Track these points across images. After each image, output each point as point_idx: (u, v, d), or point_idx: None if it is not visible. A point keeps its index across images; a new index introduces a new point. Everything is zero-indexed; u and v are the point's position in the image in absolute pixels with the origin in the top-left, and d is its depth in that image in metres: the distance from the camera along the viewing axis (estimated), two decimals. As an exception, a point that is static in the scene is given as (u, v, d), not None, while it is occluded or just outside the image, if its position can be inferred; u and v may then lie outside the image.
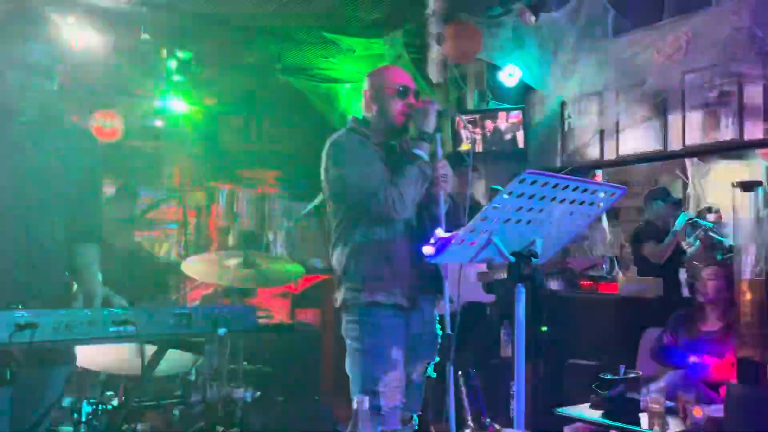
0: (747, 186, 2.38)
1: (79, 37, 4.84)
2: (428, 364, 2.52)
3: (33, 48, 1.76)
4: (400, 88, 2.44)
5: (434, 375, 2.52)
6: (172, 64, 5.56)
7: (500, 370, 4.06)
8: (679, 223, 4.83)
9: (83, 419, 2.60)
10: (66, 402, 2.58)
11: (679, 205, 5.32)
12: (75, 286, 1.96)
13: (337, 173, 2.38)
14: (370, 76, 2.54)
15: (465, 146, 5.31)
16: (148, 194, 5.86)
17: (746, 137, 4.39)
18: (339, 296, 2.44)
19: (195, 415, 3.01)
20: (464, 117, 5.08)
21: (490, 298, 4.14)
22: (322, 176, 2.47)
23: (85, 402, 2.61)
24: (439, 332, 2.50)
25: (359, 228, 2.39)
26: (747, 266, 2.32)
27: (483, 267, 4.04)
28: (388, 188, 2.29)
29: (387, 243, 2.37)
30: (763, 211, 2.35)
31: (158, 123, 6.72)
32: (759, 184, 2.44)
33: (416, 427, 2.56)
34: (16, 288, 1.82)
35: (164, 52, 5.49)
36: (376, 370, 2.31)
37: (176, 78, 5.71)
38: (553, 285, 4.93)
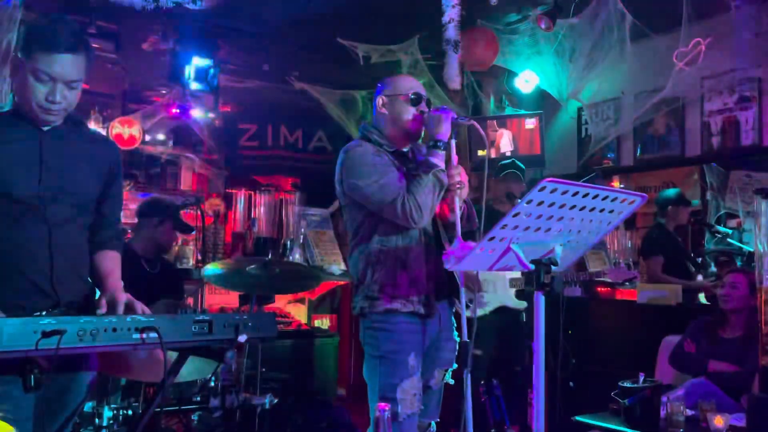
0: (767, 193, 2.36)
1: (101, 45, 4.92)
2: (446, 371, 2.52)
3: (57, 60, 1.79)
4: (413, 96, 2.45)
5: (452, 382, 2.52)
6: (191, 71, 5.62)
7: (518, 378, 4.05)
8: None
9: (104, 424, 2.64)
10: (87, 407, 2.61)
11: (688, 204, 5.10)
12: (98, 293, 1.98)
13: (354, 182, 2.39)
14: (382, 84, 2.55)
15: (481, 152, 5.31)
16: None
17: (766, 142, 4.36)
18: (357, 303, 2.45)
19: (214, 421, 3.04)
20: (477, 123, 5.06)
21: (521, 305, 4.11)
22: (337, 184, 2.49)
23: (106, 407, 2.65)
24: (457, 339, 2.50)
25: (375, 236, 2.41)
26: (769, 274, 2.29)
27: (517, 273, 4.00)
28: (406, 198, 2.30)
29: (403, 250, 2.38)
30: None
31: (176, 130, 6.80)
32: (781, 190, 2.42)
33: (434, 434, 2.56)
34: (40, 295, 1.85)
35: (182, 59, 5.55)
36: (393, 377, 2.32)
37: (194, 85, 5.77)
38: (571, 292, 4.89)
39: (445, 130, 2.37)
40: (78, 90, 1.87)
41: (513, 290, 4.08)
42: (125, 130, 6.38)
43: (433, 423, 2.53)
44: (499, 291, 4.06)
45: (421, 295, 2.37)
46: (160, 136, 6.92)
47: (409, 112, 2.45)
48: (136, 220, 3.80)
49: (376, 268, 2.39)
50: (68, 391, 1.90)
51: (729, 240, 5.51)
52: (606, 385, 3.12)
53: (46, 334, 1.50)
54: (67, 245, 1.90)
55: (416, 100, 2.45)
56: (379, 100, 2.52)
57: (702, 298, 4.61)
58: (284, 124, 7.40)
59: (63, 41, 1.78)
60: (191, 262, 5.02)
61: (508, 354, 4.15)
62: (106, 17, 4.98)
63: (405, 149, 2.53)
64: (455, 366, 2.50)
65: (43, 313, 1.77)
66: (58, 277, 1.86)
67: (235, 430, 3.05)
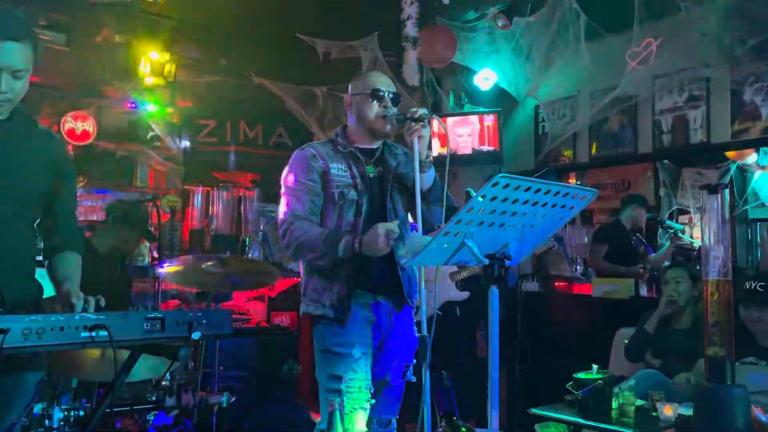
0: (712, 189, 2.43)
1: (52, 37, 4.77)
2: (407, 367, 2.52)
3: (4, 47, 1.73)
4: (378, 92, 2.46)
5: (414, 379, 2.52)
6: (146, 65, 5.50)
7: (476, 370, 4.09)
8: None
9: (55, 426, 2.57)
10: (37, 408, 2.55)
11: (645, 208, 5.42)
12: (46, 293, 1.93)
13: (280, 191, 2.48)
14: (352, 81, 2.58)
15: (441, 149, 5.34)
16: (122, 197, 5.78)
17: (714, 140, 4.49)
18: None
19: (170, 420, 2.99)
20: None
21: (463, 296, 4.18)
22: None
23: (56, 408, 2.58)
24: (417, 334, 2.51)
25: None
26: (714, 267, 2.37)
27: (453, 267, 4.09)
28: (294, 228, 2.35)
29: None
30: (729, 212, 2.41)
31: (132, 125, 6.65)
32: (726, 186, 2.49)
33: (395, 431, 2.57)
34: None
35: (138, 53, 5.43)
36: (338, 370, 2.34)
37: (150, 80, 5.66)
38: (528, 286, 4.99)
39: (379, 247, 2.22)
40: (24, 80, 1.81)
41: (453, 283, 4.16)
42: (78, 125, 6.21)
43: (393, 420, 2.55)
44: (442, 287, 4.13)
45: (332, 299, 2.38)
46: (115, 132, 6.75)
47: (372, 110, 2.46)
48: (93, 217, 3.74)
49: (306, 271, 2.49)
50: (14, 391, 1.85)
51: (680, 235, 5.69)
52: (562, 377, 3.18)
53: (-11, 333, 1.46)
54: (13, 242, 1.85)
55: (376, 96, 2.45)
56: (347, 100, 2.56)
57: (644, 289, 4.79)
58: (243, 119, 7.30)
59: (7, 28, 1.73)
60: (147, 259, 4.94)
61: (457, 349, 4.23)
62: (57, 8, 4.83)
63: (375, 146, 2.54)
64: (414, 362, 2.51)
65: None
66: (4, 275, 1.81)
67: (192, 429, 3.01)
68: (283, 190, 2.47)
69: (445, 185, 2.35)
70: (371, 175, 2.48)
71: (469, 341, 4.27)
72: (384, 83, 2.51)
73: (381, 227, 2.20)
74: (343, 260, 2.32)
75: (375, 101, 2.45)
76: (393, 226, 2.21)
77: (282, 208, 2.44)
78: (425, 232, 2.36)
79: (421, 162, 2.33)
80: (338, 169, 2.45)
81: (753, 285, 2.99)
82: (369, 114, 2.46)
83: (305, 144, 2.55)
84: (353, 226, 2.40)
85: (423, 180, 2.36)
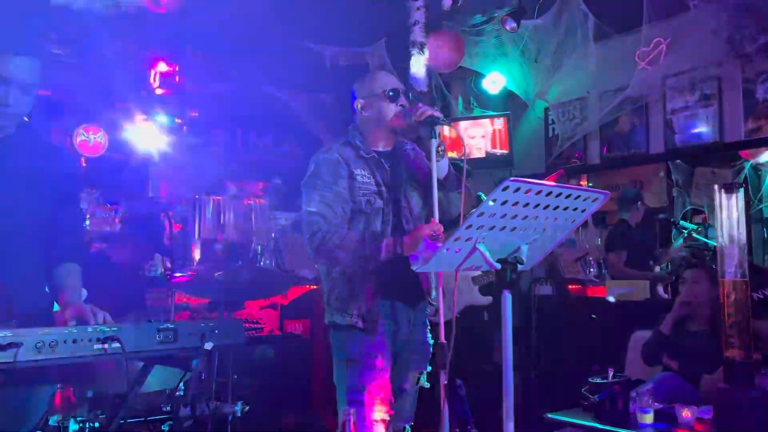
0: (729, 188, 2.41)
1: (63, 51, 4.82)
2: (421, 373, 2.50)
3: (12, 62, 1.75)
4: (390, 93, 2.45)
5: (428, 385, 2.50)
6: (156, 76, 5.54)
7: (493, 375, 4.07)
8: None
9: (70, 438, 2.57)
10: (52, 420, 2.55)
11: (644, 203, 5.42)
12: (56, 306, 1.93)
13: (306, 195, 2.41)
14: (359, 85, 2.54)
15: (452, 153, 5.34)
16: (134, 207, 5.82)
17: (727, 139, 4.45)
18: None
19: (185, 431, 2.99)
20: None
21: (485, 301, 4.15)
22: None
23: (72, 420, 2.58)
24: (431, 341, 2.49)
25: None
26: (730, 267, 2.34)
27: (478, 271, 4.05)
28: (329, 237, 2.29)
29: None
30: (744, 212, 2.38)
31: (143, 136, 6.68)
32: (741, 185, 2.47)
33: (409, 439, 2.55)
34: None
35: (147, 64, 5.48)
36: (360, 380, 2.31)
37: (160, 90, 5.69)
38: (542, 290, 4.95)
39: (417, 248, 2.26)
40: (32, 96, 1.83)
41: (477, 288, 4.13)
42: (90, 137, 6.24)
43: (408, 426, 2.52)
44: (464, 291, 4.10)
45: (360, 308, 2.35)
46: (126, 143, 6.80)
47: (390, 110, 2.45)
48: (106, 228, 3.77)
49: (327, 279, 2.43)
50: (28, 404, 1.85)
51: (695, 235, 5.64)
52: (578, 382, 3.15)
53: (2, 347, 1.46)
54: (22, 255, 1.86)
55: (394, 96, 2.45)
56: (357, 104, 2.51)
57: (661, 290, 4.76)
58: (253, 128, 7.33)
59: (18, 43, 1.75)
60: (160, 269, 4.95)
61: (475, 353, 4.19)
62: (67, 21, 4.88)
63: (390, 149, 2.52)
64: (429, 368, 2.49)
65: None
66: (13, 287, 1.81)
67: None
68: (311, 195, 2.37)
69: (463, 194, 2.35)
70: (391, 181, 2.47)
71: (490, 346, 4.24)
72: (395, 82, 2.52)
73: (426, 228, 2.24)
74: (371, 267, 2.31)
75: (391, 101, 2.45)
76: (437, 227, 2.23)
77: (311, 218, 2.34)
78: (445, 221, 2.34)
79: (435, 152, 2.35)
80: (362, 176, 2.41)
81: None
82: (388, 113, 2.45)
83: (326, 147, 2.48)
84: (381, 235, 2.36)
85: (439, 169, 2.35)
